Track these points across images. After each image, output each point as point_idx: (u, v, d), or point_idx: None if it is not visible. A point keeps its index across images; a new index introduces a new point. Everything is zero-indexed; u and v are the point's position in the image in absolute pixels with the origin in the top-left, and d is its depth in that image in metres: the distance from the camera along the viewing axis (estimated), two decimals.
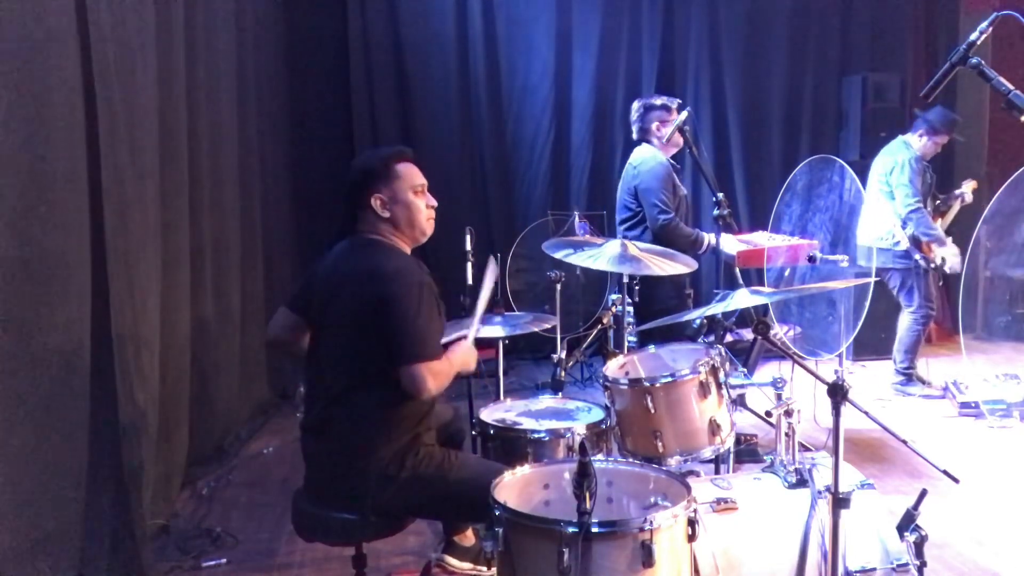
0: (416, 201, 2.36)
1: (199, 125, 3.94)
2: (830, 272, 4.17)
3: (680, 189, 4.08)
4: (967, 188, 5.35)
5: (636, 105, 4.17)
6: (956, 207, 5.35)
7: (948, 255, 5.02)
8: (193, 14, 3.85)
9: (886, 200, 5.10)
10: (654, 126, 4.05)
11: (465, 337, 2.50)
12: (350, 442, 2.25)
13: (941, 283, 5.35)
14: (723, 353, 2.76)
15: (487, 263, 2.82)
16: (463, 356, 2.40)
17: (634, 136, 4.18)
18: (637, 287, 3.34)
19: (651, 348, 3.05)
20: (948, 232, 5.26)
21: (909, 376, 5.25)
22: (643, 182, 3.97)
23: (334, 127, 6.18)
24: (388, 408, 2.26)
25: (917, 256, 5.02)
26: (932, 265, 5.04)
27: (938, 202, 5.34)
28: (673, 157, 4.20)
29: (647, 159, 4.03)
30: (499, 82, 6.34)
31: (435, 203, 2.42)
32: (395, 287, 2.20)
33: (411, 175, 2.37)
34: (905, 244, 5.02)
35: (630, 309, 3.71)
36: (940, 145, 5.14)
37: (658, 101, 4.10)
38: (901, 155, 5.04)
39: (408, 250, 2.40)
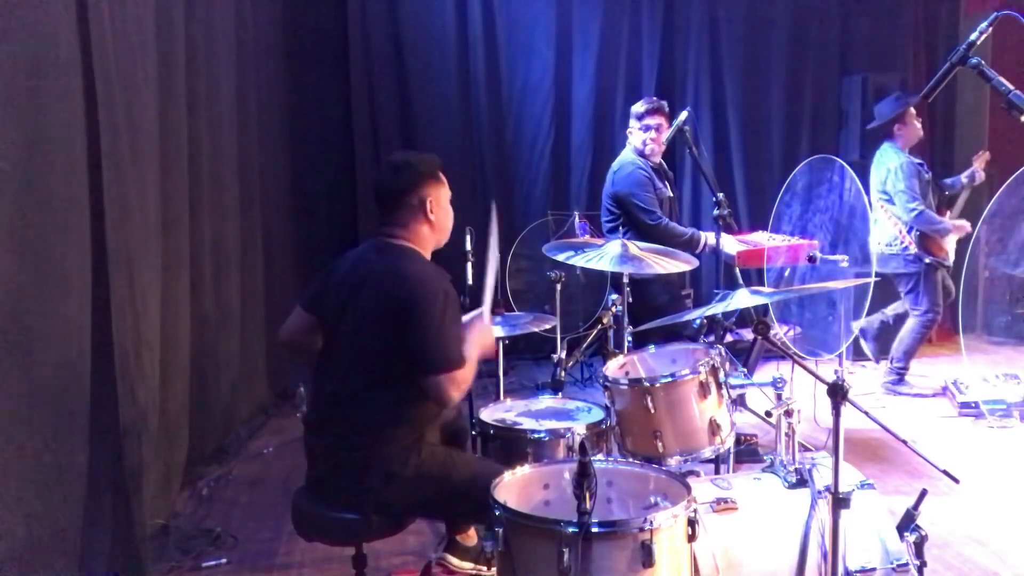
0: (450, 209, 2.47)
1: (199, 125, 3.94)
2: (830, 272, 4.17)
3: (662, 191, 4.11)
4: (978, 164, 5.30)
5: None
6: (967, 192, 5.32)
7: (951, 244, 5.06)
8: (193, 14, 3.85)
9: (887, 207, 5.10)
10: (628, 132, 4.15)
11: (480, 317, 2.51)
12: (355, 440, 2.26)
13: (946, 285, 5.36)
14: (723, 353, 2.76)
15: (488, 234, 2.76)
16: (482, 340, 2.42)
17: None
18: (628, 287, 3.35)
19: (651, 348, 3.05)
20: (964, 215, 5.26)
21: (902, 377, 5.25)
22: (620, 188, 4.03)
23: (334, 127, 6.18)
24: (398, 408, 2.28)
25: (928, 259, 5.01)
26: (946, 263, 5.06)
27: (946, 192, 5.34)
28: (671, 158, 4.22)
29: (624, 164, 4.10)
30: (499, 82, 6.34)
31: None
32: (420, 295, 2.22)
33: (447, 183, 2.47)
34: (914, 249, 5.01)
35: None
36: (916, 123, 5.08)
37: (639, 107, 4.13)
38: (892, 162, 5.03)
39: (430, 254, 2.43)
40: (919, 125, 5.11)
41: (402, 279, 2.26)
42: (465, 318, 2.49)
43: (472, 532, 2.82)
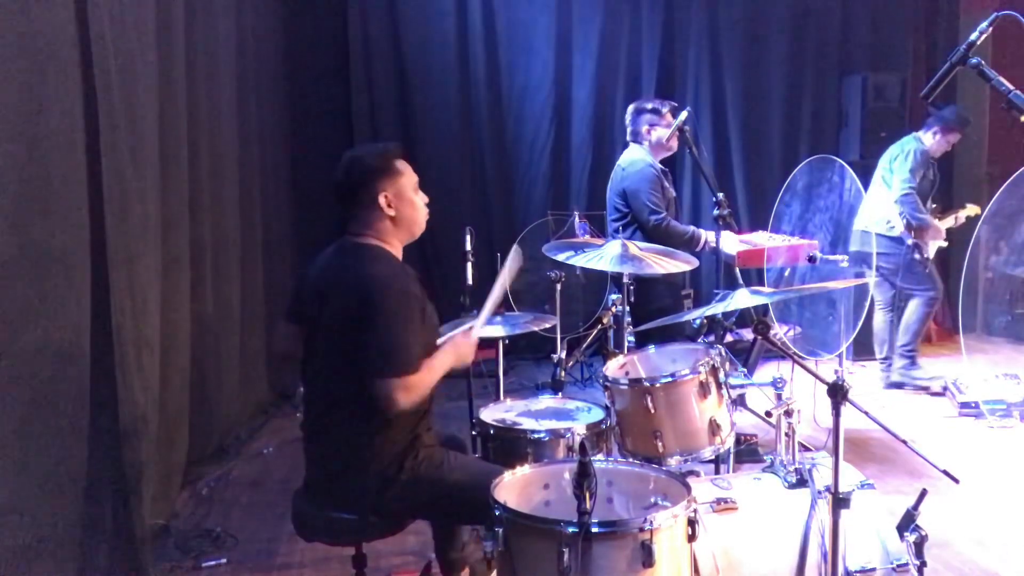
0: (416, 198, 2.36)
1: (199, 125, 3.94)
2: (830, 272, 4.17)
3: (669, 191, 4.11)
4: (969, 211, 5.43)
5: (630, 108, 4.22)
6: (951, 222, 5.40)
7: (932, 244, 5.20)
8: (193, 14, 3.85)
9: (885, 187, 5.15)
10: (644, 129, 4.12)
11: (471, 328, 2.46)
12: (349, 444, 2.24)
13: (928, 272, 5.42)
14: (723, 353, 2.75)
15: (511, 253, 2.64)
16: (457, 350, 2.35)
17: (628, 138, 4.22)
18: (632, 287, 3.35)
19: (651, 348, 3.05)
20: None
21: (913, 359, 5.27)
22: (631, 184, 4.01)
23: (334, 127, 6.18)
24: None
25: (910, 241, 5.07)
26: (925, 255, 5.11)
27: (935, 206, 5.39)
28: (671, 158, 4.22)
29: (635, 161, 4.07)
30: (499, 82, 6.34)
31: (427, 199, 2.40)
32: (375, 295, 2.16)
33: (410, 172, 2.36)
34: (900, 229, 5.06)
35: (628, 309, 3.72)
36: (951, 143, 5.21)
37: (649, 105, 4.14)
38: (909, 146, 5.13)
39: (399, 249, 2.37)
40: (950, 143, 5.22)
41: (361, 281, 2.20)
42: (452, 332, 2.44)
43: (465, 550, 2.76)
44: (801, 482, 2.28)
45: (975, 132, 7.05)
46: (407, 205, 2.33)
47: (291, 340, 2.47)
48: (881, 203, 5.17)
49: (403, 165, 2.35)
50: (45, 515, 2.44)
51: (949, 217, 5.39)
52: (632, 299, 3.40)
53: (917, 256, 5.11)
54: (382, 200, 2.28)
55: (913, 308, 5.26)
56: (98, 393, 2.69)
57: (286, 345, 2.50)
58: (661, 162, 4.21)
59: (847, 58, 6.83)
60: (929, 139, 5.15)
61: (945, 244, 5.29)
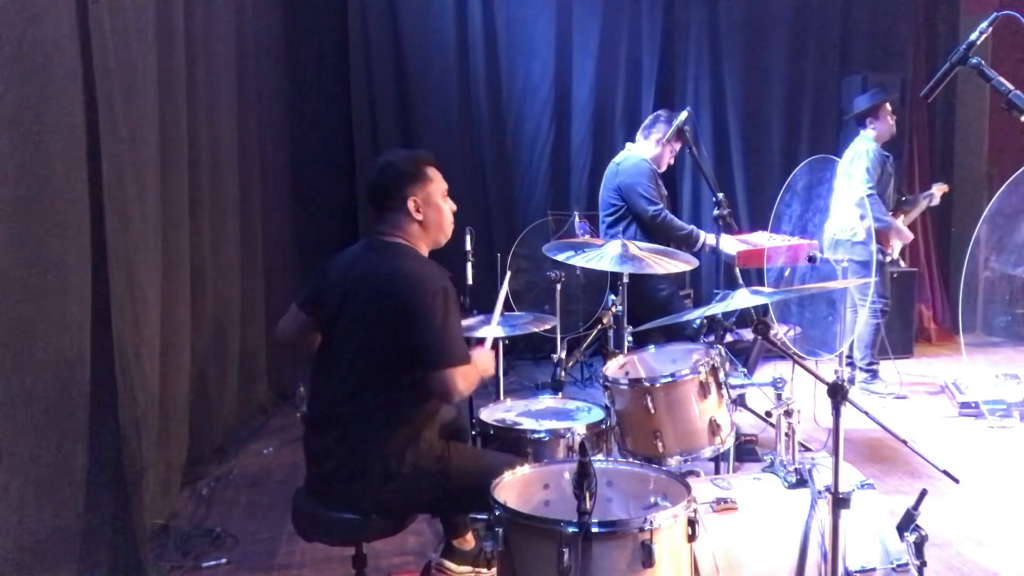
0: (444, 205, 2.42)
1: (199, 125, 3.94)
2: (830, 272, 4.17)
3: (662, 189, 4.14)
4: (936, 190, 5.44)
5: (662, 111, 4.25)
6: (922, 206, 5.42)
7: (897, 245, 5.20)
8: (193, 14, 3.85)
9: (847, 191, 5.14)
10: (653, 138, 4.16)
11: (482, 342, 2.57)
12: (354, 440, 2.26)
13: (895, 275, 5.42)
14: (723, 353, 2.76)
15: (505, 273, 2.91)
16: (483, 361, 2.45)
17: (637, 136, 4.24)
18: (627, 285, 3.36)
19: (651, 348, 3.05)
20: (912, 227, 5.42)
21: (874, 372, 5.26)
22: (626, 178, 4.05)
23: (334, 127, 6.18)
24: (396, 408, 2.28)
25: (873, 247, 5.05)
26: (888, 258, 5.11)
27: (903, 200, 5.40)
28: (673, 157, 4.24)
29: (630, 157, 4.14)
30: (499, 82, 6.35)
31: (454, 207, 2.46)
32: (420, 292, 2.22)
33: (439, 179, 2.43)
34: (862, 236, 5.04)
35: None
36: (889, 120, 5.14)
37: (676, 125, 4.11)
38: (860, 146, 5.12)
39: (426, 252, 2.42)
40: (892, 122, 5.18)
41: (399, 278, 2.25)
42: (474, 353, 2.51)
43: (469, 536, 2.81)
44: (801, 482, 2.28)
45: (975, 132, 7.07)
46: (434, 211, 2.39)
47: (297, 328, 2.49)
48: (845, 210, 5.11)
49: (433, 172, 2.41)
50: (45, 516, 2.44)
51: (915, 209, 5.39)
52: (628, 296, 3.40)
53: (880, 258, 5.08)
54: (411, 204, 2.35)
55: (862, 320, 5.14)
56: (98, 393, 2.69)
57: (290, 332, 2.51)
58: None
59: (847, 58, 6.83)
60: (871, 132, 5.11)
61: (911, 238, 5.28)
